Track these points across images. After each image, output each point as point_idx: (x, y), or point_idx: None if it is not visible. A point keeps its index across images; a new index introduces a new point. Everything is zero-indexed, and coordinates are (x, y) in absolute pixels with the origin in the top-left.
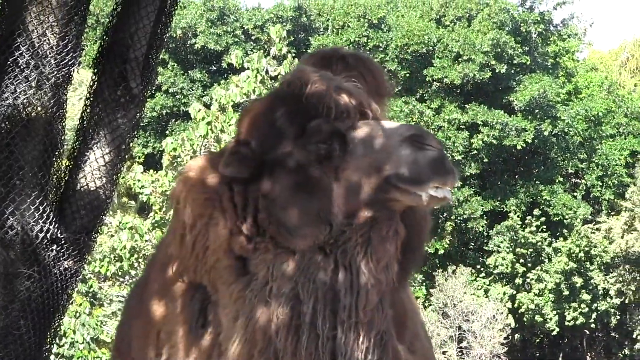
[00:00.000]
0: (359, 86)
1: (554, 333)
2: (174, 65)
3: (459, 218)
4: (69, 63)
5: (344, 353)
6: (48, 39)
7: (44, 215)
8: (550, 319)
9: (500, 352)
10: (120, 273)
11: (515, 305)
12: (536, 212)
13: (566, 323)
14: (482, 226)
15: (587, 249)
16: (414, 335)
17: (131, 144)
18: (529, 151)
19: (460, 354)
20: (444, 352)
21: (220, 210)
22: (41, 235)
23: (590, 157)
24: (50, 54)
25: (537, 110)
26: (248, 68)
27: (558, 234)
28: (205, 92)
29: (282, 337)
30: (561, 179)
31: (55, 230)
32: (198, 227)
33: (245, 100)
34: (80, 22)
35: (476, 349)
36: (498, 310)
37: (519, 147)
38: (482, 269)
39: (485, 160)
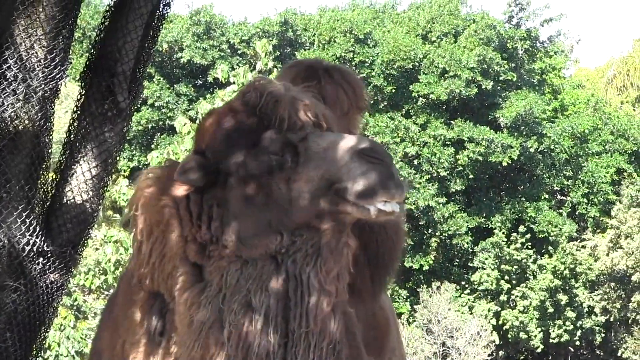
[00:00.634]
0: (316, 96)
1: (539, 350)
2: (159, 79)
3: (444, 234)
4: (57, 76)
5: None
6: (36, 52)
7: (31, 228)
8: (535, 336)
9: None
10: (105, 286)
11: (500, 322)
12: (521, 229)
13: (551, 340)
14: (467, 243)
15: (572, 266)
16: (390, 350)
17: (117, 158)
18: (514, 168)
19: None
20: None
21: (176, 218)
22: (27, 248)
23: (576, 174)
24: (38, 67)
25: (523, 127)
26: (234, 82)
27: (543, 251)
28: (191, 106)
29: (234, 344)
30: (547, 196)
31: (42, 244)
32: (155, 234)
33: None
34: (68, 36)
35: None
36: (482, 326)
37: (504, 164)
38: (466, 286)
39: (471, 176)
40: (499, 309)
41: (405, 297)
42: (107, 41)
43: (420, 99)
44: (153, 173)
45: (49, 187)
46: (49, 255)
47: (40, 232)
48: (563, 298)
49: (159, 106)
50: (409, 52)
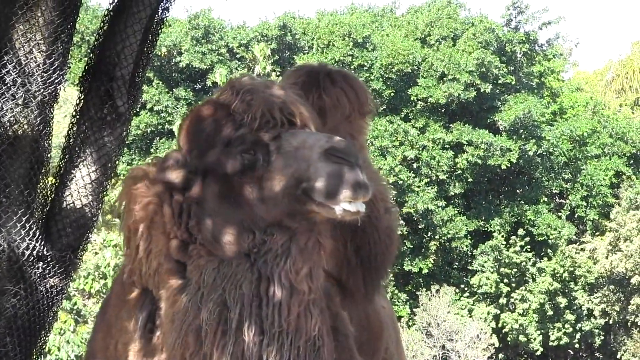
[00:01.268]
0: (298, 94)
1: (538, 353)
2: (158, 83)
3: (443, 237)
4: (56, 81)
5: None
6: (35, 57)
7: (30, 232)
8: (534, 339)
9: None
10: (104, 290)
11: (499, 325)
12: (520, 232)
13: (550, 343)
14: (466, 246)
15: (571, 269)
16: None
17: (117, 162)
18: (513, 171)
19: None
20: None
21: (160, 215)
22: (27, 252)
23: (575, 177)
24: (37, 71)
25: (521, 130)
26: None
27: (542, 254)
28: (189, 110)
29: (210, 342)
30: (546, 199)
31: (42, 248)
32: (141, 230)
33: None
34: (67, 40)
35: None
36: (482, 329)
37: (503, 167)
38: (466, 289)
39: (470, 179)
40: (499, 312)
41: (404, 300)
42: (106, 45)
43: (419, 102)
44: (140, 170)
45: (49, 192)
46: (48, 259)
47: (40, 237)
48: (562, 301)
49: (158, 110)
50: (407, 55)
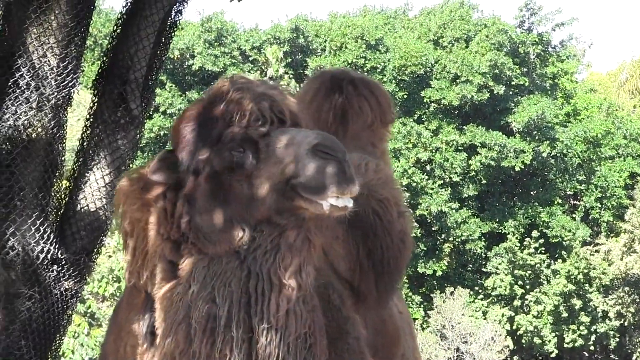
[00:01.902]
0: (289, 92)
1: (553, 355)
2: (171, 86)
3: (457, 240)
4: (69, 84)
5: (259, 357)
6: (48, 60)
7: (45, 236)
8: (549, 341)
9: None
10: (118, 294)
11: (514, 327)
12: (535, 233)
13: (565, 345)
14: (481, 248)
15: (586, 271)
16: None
17: (130, 165)
18: (527, 173)
19: None
20: None
21: (154, 216)
22: (42, 256)
23: (589, 178)
24: (50, 75)
25: (535, 132)
26: None
27: (557, 255)
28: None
29: (198, 340)
30: (560, 201)
31: (56, 251)
32: (136, 232)
33: None
34: (80, 44)
35: None
36: (496, 332)
37: (517, 169)
38: (480, 291)
39: (484, 181)
40: (513, 314)
41: (418, 302)
42: (119, 49)
43: (432, 104)
44: (136, 172)
45: (63, 195)
46: (63, 262)
47: (54, 240)
48: (577, 303)
49: (171, 113)
50: (420, 57)
